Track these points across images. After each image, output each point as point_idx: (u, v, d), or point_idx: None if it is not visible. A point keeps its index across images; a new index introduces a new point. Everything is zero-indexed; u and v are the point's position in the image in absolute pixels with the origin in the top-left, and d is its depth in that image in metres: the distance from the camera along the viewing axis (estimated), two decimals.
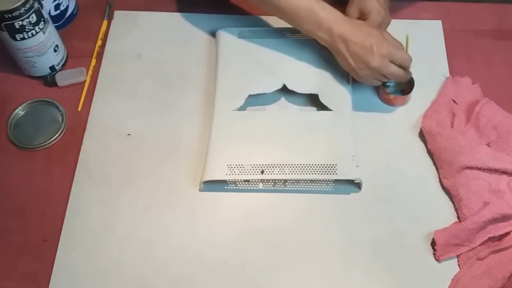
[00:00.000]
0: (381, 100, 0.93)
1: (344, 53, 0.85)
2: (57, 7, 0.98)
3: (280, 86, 0.90)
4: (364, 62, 0.84)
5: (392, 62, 0.85)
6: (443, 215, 0.83)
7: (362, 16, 0.93)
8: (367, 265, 0.80)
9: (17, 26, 0.86)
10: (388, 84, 0.94)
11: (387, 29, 0.91)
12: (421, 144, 0.89)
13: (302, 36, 0.95)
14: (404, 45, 0.89)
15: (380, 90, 0.93)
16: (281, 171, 0.83)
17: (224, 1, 1.04)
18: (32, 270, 0.80)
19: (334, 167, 0.83)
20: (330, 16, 0.85)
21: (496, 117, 0.87)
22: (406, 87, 0.93)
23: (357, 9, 0.93)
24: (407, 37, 0.89)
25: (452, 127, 0.88)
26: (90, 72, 0.97)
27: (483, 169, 0.83)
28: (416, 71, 0.92)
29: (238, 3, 1.03)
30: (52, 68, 0.96)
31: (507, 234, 0.80)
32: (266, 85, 0.91)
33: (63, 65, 0.97)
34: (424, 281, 0.79)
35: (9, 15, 0.84)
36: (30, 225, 0.83)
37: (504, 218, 0.79)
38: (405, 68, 0.87)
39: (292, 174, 0.83)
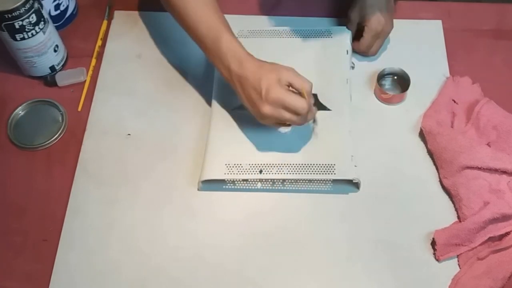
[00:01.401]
0: (378, 99, 0.93)
1: (241, 95, 0.79)
2: (57, 7, 0.98)
3: None
4: (256, 108, 0.77)
5: (285, 108, 0.76)
6: (443, 215, 0.83)
7: (362, 22, 0.93)
8: (367, 265, 0.80)
9: (17, 26, 0.86)
10: (383, 82, 0.94)
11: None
12: (421, 144, 0.89)
13: (302, 37, 0.95)
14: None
15: (376, 89, 0.93)
16: (280, 171, 0.83)
17: (223, 1, 1.03)
18: (32, 270, 0.80)
19: (333, 167, 0.83)
20: (232, 53, 0.78)
21: (496, 117, 0.87)
22: (402, 85, 0.93)
23: (358, 14, 0.93)
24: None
25: (452, 127, 0.88)
26: (90, 72, 0.97)
27: (483, 169, 0.83)
28: (416, 71, 0.92)
29: (238, 3, 1.03)
30: (52, 68, 0.96)
31: (507, 234, 0.80)
32: None
33: (63, 65, 0.98)
34: (424, 281, 0.79)
35: (9, 15, 0.84)
36: (30, 225, 0.83)
37: (504, 218, 0.79)
38: (301, 115, 0.77)
39: (290, 173, 0.83)
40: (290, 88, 0.78)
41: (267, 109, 0.76)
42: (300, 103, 0.76)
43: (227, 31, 0.80)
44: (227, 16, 1.01)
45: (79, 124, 0.92)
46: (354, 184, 0.84)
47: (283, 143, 0.86)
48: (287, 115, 0.77)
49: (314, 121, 0.86)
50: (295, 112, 0.76)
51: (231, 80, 0.80)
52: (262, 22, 1.01)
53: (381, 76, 0.93)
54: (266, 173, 0.83)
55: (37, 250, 0.81)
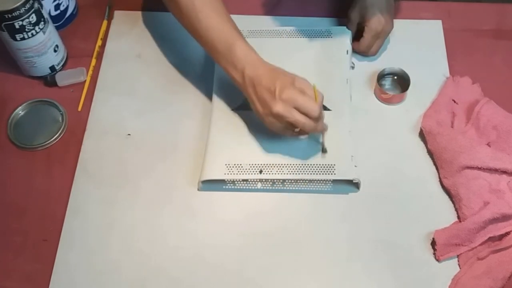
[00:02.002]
0: (378, 99, 0.93)
1: (252, 97, 0.80)
2: (57, 7, 0.98)
3: None
4: (268, 107, 0.77)
5: (297, 108, 0.77)
6: (443, 215, 0.83)
7: (362, 22, 0.93)
8: (367, 265, 0.80)
9: (17, 26, 0.86)
10: (383, 82, 0.94)
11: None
12: (421, 144, 0.89)
13: (302, 37, 0.95)
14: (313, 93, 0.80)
15: (376, 89, 0.93)
16: (280, 171, 0.83)
17: (224, 1, 1.03)
18: (32, 270, 0.80)
19: (333, 167, 0.83)
20: (247, 58, 0.79)
21: (496, 117, 0.87)
22: (402, 85, 0.93)
23: (358, 14, 0.93)
24: (314, 86, 0.79)
25: (452, 127, 0.88)
26: (90, 72, 0.97)
27: (483, 169, 0.83)
28: (416, 71, 0.92)
29: (238, 3, 1.03)
30: (52, 68, 0.96)
31: (507, 234, 0.80)
32: None
33: (63, 65, 0.98)
34: (424, 281, 0.79)
35: (9, 15, 0.84)
36: (30, 225, 0.83)
37: (504, 217, 0.79)
38: (312, 118, 0.78)
39: (290, 174, 0.83)
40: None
41: (279, 107, 0.76)
42: (312, 105, 0.77)
43: (241, 37, 0.81)
44: None
45: (79, 124, 0.92)
46: (354, 184, 0.84)
47: (283, 143, 0.86)
48: (298, 115, 0.77)
49: (323, 140, 0.85)
50: (306, 114, 0.77)
51: (244, 83, 0.80)
52: (262, 22, 1.01)
53: (381, 76, 0.93)
54: (266, 173, 0.83)
55: (37, 250, 0.81)
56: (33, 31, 0.88)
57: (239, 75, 0.80)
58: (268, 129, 0.82)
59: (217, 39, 0.81)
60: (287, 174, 0.83)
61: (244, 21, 0.98)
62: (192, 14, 0.82)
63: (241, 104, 0.89)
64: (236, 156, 0.85)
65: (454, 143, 0.85)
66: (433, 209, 0.84)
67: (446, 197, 0.85)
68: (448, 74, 0.95)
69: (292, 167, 0.83)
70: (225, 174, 0.83)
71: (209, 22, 0.81)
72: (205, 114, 0.91)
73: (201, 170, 0.84)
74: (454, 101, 0.91)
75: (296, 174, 0.83)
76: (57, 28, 0.97)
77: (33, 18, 0.87)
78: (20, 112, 0.93)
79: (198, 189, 0.85)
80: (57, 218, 0.83)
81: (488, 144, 0.86)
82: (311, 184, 0.85)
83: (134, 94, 0.95)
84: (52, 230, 0.83)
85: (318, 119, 0.78)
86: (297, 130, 0.80)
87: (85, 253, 0.81)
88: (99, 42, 1.00)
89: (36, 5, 0.87)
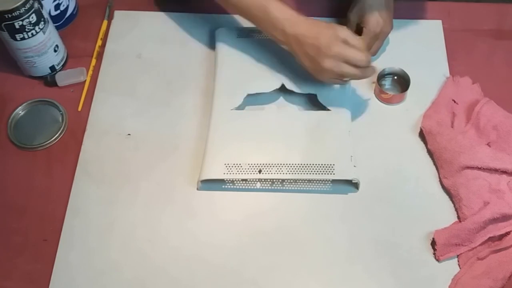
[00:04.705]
0: (378, 99, 0.93)
1: (298, 54, 0.83)
2: (57, 7, 0.98)
3: (278, 86, 0.90)
4: (317, 63, 0.82)
5: (346, 62, 0.81)
6: (443, 215, 0.83)
7: (361, 23, 0.93)
8: (367, 265, 0.80)
9: (17, 26, 0.86)
10: (383, 82, 0.94)
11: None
12: (421, 144, 0.89)
13: None
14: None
15: (376, 89, 0.93)
16: (279, 171, 0.83)
17: None
18: (32, 270, 0.80)
19: (332, 167, 0.83)
20: (284, 16, 0.83)
21: (496, 117, 0.87)
22: (402, 85, 0.93)
23: (357, 15, 0.93)
24: (362, 39, 0.85)
25: (452, 127, 0.88)
26: (90, 72, 0.97)
27: (483, 169, 0.83)
28: (416, 71, 0.92)
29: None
30: (52, 68, 0.96)
31: (507, 234, 0.80)
32: (265, 84, 0.91)
33: (63, 65, 0.98)
34: (424, 281, 0.79)
35: (9, 15, 0.84)
36: (30, 225, 0.83)
37: (504, 217, 0.79)
38: (361, 67, 0.82)
39: (289, 173, 0.83)
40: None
41: (328, 63, 0.80)
42: (360, 56, 0.81)
43: None
44: (227, 16, 1.01)
45: (79, 124, 0.92)
46: (353, 184, 0.84)
47: (283, 143, 0.86)
48: (347, 68, 0.81)
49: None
50: (355, 65, 0.81)
51: (287, 41, 0.83)
52: None
53: (381, 76, 0.93)
54: (265, 173, 0.83)
55: (37, 250, 0.81)
56: (33, 31, 0.88)
57: (280, 34, 0.83)
58: (316, 78, 0.85)
59: (252, 5, 0.84)
60: (286, 174, 0.83)
61: (244, 21, 0.99)
62: None
63: (241, 104, 0.89)
64: (235, 155, 0.85)
65: (454, 143, 0.85)
66: (433, 209, 0.84)
67: (446, 197, 0.85)
68: (448, 74, 0.95)
69: (291, 167, 0.83)
70: (224, 173, 0.83)
71: None
72: (206, 114, 0.91)
73: (201, 170, 0.84)
74: (454, 101, 0.91)
75: (295, 174, 0.83)
76: (57, 28, 0.97)
77: (33, 18, 0.87)
78: (20, 112, 0.93)
79: (197, 189, 0.85)
80: (57, 218, 0.83)
81: (488, 144, 0.86)
82: (310, 184, 0.85)
83: (134, 94, 0.95)
84: (52, 230, 0.83)
85: (367, 66, 0.82)
86: (346, 79, 0.85)
87: (85, 253, 0.81)
88: (99, 42, 1.00)
89: (36, 5, 0.87)
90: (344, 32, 0.82)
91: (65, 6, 1.00)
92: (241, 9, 0.86)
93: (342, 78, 0.85)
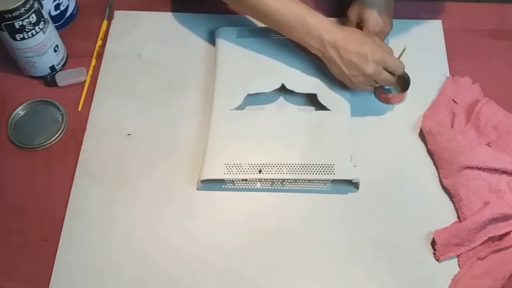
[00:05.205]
0: (378, 99, 0.93)
1: (336, 61, 0.84)
2: (57, 7, 0.98)
3: (278, 86, 0.90)
4: (359, 69, 0.83)
5: (385, 68, 0.85)
6: (443, 215, 0.83)
7: (361, 23, 0.93)
8: (367, 265, 0.80)
9: (17, 26, 0.86)
10: None
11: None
12: (421, 144, 0.89)
13: None
14: (398, 53, 0.89)
15: (377, 89, 0.93)
16: (279, 171, 0.83)
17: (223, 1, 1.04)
18: (32, 270, 0.80)
19: (332, 167, 0.83)
20: (321, 23, 0.84)
21: (496, 117, 0.87)
22: (402, 85, 0.93)
23: (357, 14, 0.93)
24: (404, 49, 0.89)
25: (452, 127, 0.88)
26: (90, 72, 0.97)
27: (483, 169, 0.83)
28: (416, 71, 0.92)
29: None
30: (52, 68, 0.96)
31: (507, 234, 0.80)
32: (265, 84, 0.91)
33: (63, 65, 0.98)
34: (424, 281, 0.79)
35: (9, 15, 0.84)
36: (30, 225, 0.83)
37: (504, 217, 0.79)
38: (395, 74, 0.87)
39: (289, 173, 0.83)
40: None
41: (372, 68, 0.83)
42: (399, 64, 0.86)
43: (308, 8, 0.86)
44: (227, 16, 1.01)
45: (79, 124, 0.92)
46: (353, 184, 0.84)
47: (283, 143, 0.86)
48: (386, 75, 0.85)
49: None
50: (392, 72, 0.86)
51: (324, 48, 0.85)
52: None
53: None
54: (266, 173, 0.83)
55: (37, 250, 0.81)
56: (33, 31, 0.88)
57: (317, 42, 0.85)
58: (347, 85, 0.88)
59: (287, 14, 0.85)
60: (286, 174, 0.83)
61: (244, 21, 0.99)
62: (258, 1, 0.86)
63: (241, 104, 0.89)
64: (235, 155, 0.85)
65: (454, 143, 0.85)
66: (433, 209, 0.84)
67: (446, 197, 0.85)
68: (448, 74, 0.95)
69: (291, 167, 0.83)
70: (224, 173, 0.83)
71: (276, 2, 0.85)
72: (206, 114, 0.91)
73: (201, 170, 0.84)
74: (454, 101, 0.91)
75: (295, 174, 0.83)
76: (57, 28, 0.97)
77: (33, 18, 0.87)
78: (20, 112, 0.93)
79: (197, 189, 0.85)
80: (57, 218, 0.83)
81: (488, 144, 0.86)
82: (310, 184, 0.85)
83: (134, 94, 0.95)
84: (52, 230, 0.83)
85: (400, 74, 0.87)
86: (376, 85, 0.87)
87: (85, 253, 0.81)
88: (99, 42, 1.00)
89: (36, 5, 0.87)
90: (380, 41, 0.86)
91: (65, 6, 1.00)
92: (274, 19, 0.86)
93: (375, 85, 0.87)
